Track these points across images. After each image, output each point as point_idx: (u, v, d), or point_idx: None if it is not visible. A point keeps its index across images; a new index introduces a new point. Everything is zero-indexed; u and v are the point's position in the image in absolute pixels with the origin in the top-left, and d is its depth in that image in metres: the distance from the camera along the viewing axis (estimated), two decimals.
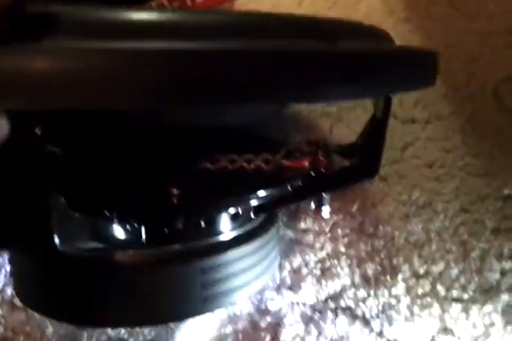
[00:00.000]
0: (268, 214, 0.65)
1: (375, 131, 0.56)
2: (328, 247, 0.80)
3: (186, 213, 0.53)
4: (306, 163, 0.60)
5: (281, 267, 0.78)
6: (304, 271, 0.78)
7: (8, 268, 0.76)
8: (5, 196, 0.43)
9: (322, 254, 0.79)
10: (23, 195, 0.43)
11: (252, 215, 0.59)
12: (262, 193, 0.56)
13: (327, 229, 0.80)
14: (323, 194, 0.65)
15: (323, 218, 0.74)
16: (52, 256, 0.46)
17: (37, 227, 0.42)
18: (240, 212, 0.58)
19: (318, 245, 0.80)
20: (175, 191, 0.50)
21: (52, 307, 0.54)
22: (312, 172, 0.59)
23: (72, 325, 0.67)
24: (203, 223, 0.55)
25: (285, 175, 0.58)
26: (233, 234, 0.58)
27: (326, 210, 0.67)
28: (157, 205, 0.52)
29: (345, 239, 0.80)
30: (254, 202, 0.57)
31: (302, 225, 0.80)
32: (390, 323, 0.78)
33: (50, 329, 0.75)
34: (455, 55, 0.82)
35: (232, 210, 0.57)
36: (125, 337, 0.76)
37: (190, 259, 0.52)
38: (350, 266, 0.79)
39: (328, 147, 0.62)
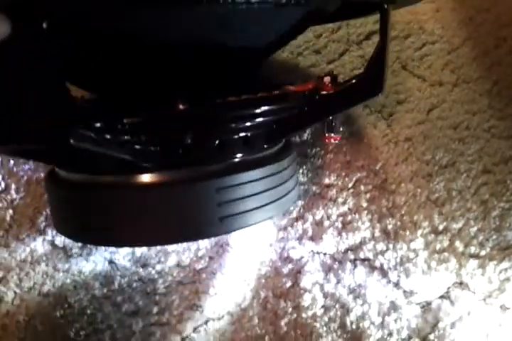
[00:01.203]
0: (281, 144, 0.66)
1: (379, 49, 0.57)
2: (350, 202, 0.85)
3: (196, 129, 0.54)
4: (311, 86, 0.62)
5: (303, 219, 0.84)
6: (326, 223, 0.83)
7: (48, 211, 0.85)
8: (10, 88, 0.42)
9: (344, 209, 0.84)
10: (30, 87, 0.42)
11: (263, 144, 0.60)
12: (267, 111, 0.57)
13: (350, 185, 0.85)
14: (332, 118, 0.66)
15: (331, 143, 0.78)
16: (63, 148, 0.46)
17: (52, 118, 0.42)
18: (250, 136, 0.58)
19: (340, 200, 0.84)
20: (181, 105, 0.51)
21: (77, 230, 0.57)
22: (317, 96, 0.60)
23: (94, 245, 0.72)
24: (215, 144, 0.56)
25: (291, 98, 0.60)
26: (246, 158, 0.58)
27: (336, 135, 0.69)
28: (166, 119, 0.52)
29: (368, 195, 0.85)
30: (262, 125, 0.58)
31: (326, 180, 0.85)
32: (407, 275, 0.83)
33: (87, 268, 0.84)
34: (487, 20, 0.85)
35: (242, 135, 0.58)
36: (155, 277, 0.84)
37: (206, 179, 0.53)
38: (370, 220, 0.84)
39: (335, 75, 0.63)
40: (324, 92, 0.61)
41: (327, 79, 0.63)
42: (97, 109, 0.55)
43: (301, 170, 0.84)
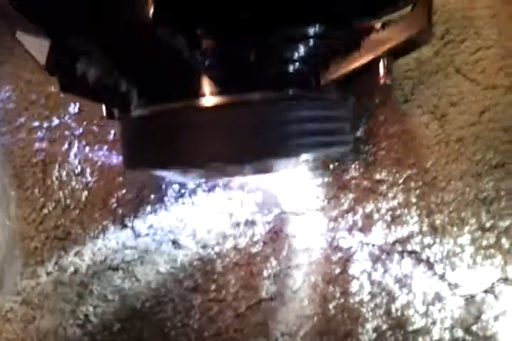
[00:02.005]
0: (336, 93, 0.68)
1: None
2: (400, 197, 0.91)
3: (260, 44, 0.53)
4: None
5: (354, 211, 0.91)
6: (376, 216, 0.90)
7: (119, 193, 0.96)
8: None
9: (394, 203, 0.91)
10: None
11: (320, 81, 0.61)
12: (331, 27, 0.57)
13: (400, 181, 0.91)
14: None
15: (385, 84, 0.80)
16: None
17: None
18: (304, 70, 0.58)
19: (390, 195, 0.91)
20: (246, 14, 0.48)
21: (148, 157, 0.60)
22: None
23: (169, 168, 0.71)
24: (273, 72, 0.56)
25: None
26: (304, 92, 0.59)
27: (388, 76, 0.68)
28: (233, 29, 0.51)
29: (417, 191, 0.91)
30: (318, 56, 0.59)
31: (377, 176, 0.92)
32: (453, 269, 0.88)
33: (153, 246, 0.94)
34: None
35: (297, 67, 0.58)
36: (214, 257, 0.93)
37: (275, 102, 0.55)
38: (419, 215, 0.90)
39: None
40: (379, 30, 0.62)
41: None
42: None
43: (353, 165, 0.91)
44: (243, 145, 0.56)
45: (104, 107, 0.68)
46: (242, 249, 0.88)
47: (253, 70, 0.54)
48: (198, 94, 0.53)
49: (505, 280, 0.86)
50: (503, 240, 0.86)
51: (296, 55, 0.57)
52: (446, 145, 0.89)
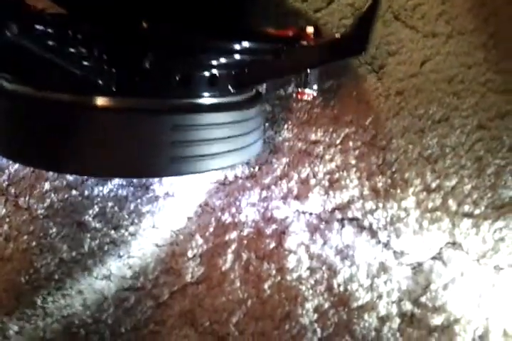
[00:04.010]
0: (250, 93, 0.65)
1: (370, 6, 0.56)
2: (338, 159, 0.85)
3: (157, 52, 0.53)
4: (291, 33, 0.61)
5: (288, 177, 0.84)
6: (312, 181, 0.83)
7: (11, 169, 0.83)
8: None
9: (331, 166, 0.84)
10: None
11: (230, 87, 0.59)
12: (241, 48, 0.55)
13: (338, 141, 0.85)
14: (309, 71, 0.65)
15: (304, 100, 0.77)
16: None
17: None
18: (217, 75, 0.57)
19: (327, 157, 0.84)
20: (145, 24, 0.50)
21: (21, 151, 0.56)
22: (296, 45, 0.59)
23: (38, 169, 0.70)
24: (177, 78, 0.55)
25: (269, 40, 0.59)
26: (211, 100, 0.58)
27: (309, 91, 0.68)
28: (126, 35, 0.51)
29: (356, 152, 0.85)
30: (232, 64, 0.57)
31: (312, 136, 0.85)
32: (398, 235, 0.83)
33: (53, 229, 0.83)
34: None
35: (208, 72, 0.57)
36: (129, 239, 0.83)
37: (163, 112, 0.53)
38: (359, 178, 0.84)
39: (319, 27, 0.63)
40: (304, 43, 0.61)
41: (310, 29, 0.63)
42: (53, 15, 0.53)
43: (285, 126, 0.84)
44: (114, 159, 0.54)
45: None
46: (160, 227, 0.78)
47: (151, 76, 0.54)
48: (89, 91, 0.53)
49: (453, 244, 0.82)
50: (450, 201, 0.83)
51: (198, 66, 0.57)
52: (386, 99, 0.84)
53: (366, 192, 0.82)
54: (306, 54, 0.60)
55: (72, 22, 0.50)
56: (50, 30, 0.48)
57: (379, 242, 0.82)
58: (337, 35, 0.59)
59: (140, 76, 0.53)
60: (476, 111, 0.85)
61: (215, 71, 0.57)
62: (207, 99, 0.58)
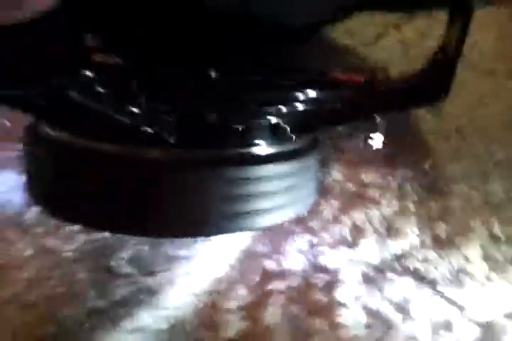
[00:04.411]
0: (310, 138, 0.63)
1: (449, 46, 0.55)
2: (396, 204, 0.78)
3: (225, 104, 0.52)
4: (362, 78, 0.58)
5: (340, 221, 0.77)
6: (368, 228, 0.76)
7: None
8: None
9: (388, 212, 0.78)
10: None
11: (292, 134, 0.57)
12: (309, 94, 0.54)
13: (394, 185, 0.79)
14: (376, 118, 0.61)
15: (371, 148, 0.72)
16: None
17: None
18: (281, 124, 0.55)
19: (384, 202, 0.78)
20: (213, 73, 0.49)
21: (54, 200, 0.56)
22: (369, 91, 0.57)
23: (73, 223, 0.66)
24: (239, 128, 0.53)
25: (337, 84, 0.57)
26: (270, 150, 0.56)
27: (377, 139, 0.65)
28: (191, 87, 0.50)
29: (415, 197, 0.79)
30: (297, 113, 0.55)
31: (364, 178, 0.79)
32: (464, 289, 0.75)
33: (81, 275, 0.75)
34: None
35: (272, 119, 0.55)
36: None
37: (219, 166, 0.52)
38: (419, 226, 0.77)
39: (386, 69, 0.60)
40: (375, 88, 0.58)
41: (381, 74, 0.60)
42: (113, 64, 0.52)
43: (336, 166, 0.78)
44: (166, 218, 0.54)
45: None
46: (198, 274, 0.71)
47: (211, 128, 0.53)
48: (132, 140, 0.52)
49: None
50: None
51: (262, 114, 0.55)
52: (445, 139, 0.77)
53: (427, 241, 0.75)
54: (378, 100, 0.58)
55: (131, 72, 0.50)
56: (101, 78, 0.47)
57: (443, 297, 0.73)
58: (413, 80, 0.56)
59: (200, 128, 0.52)
60: None
61: (277, 119, 0.55)
62: (266, 149, 0.56)
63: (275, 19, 0.53)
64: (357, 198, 0.75)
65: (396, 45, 0.82)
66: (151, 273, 0.72)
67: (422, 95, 0.57)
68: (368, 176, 0.76)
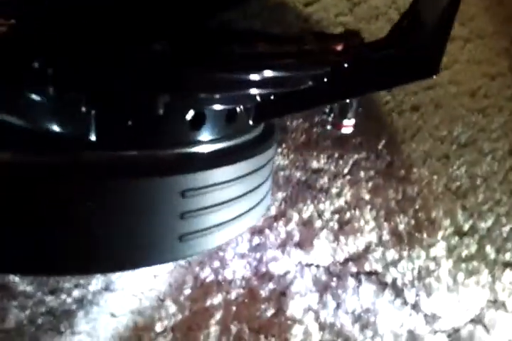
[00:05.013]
0: (267, 125, 0.51)
1: (445, 10, 0.45)
2: (348, 193, 0.66)
3: (168, 83, 0.38)
4: (339, 47, 0.46)
5: (286, 218, 0.63)
6: (318, 223, 0.63)
7: None
8: None
9: (340, 202, 0.65)
10: None
11: (251, 121, 0.46)
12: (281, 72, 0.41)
13: (346, 170, 0.66)
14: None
15: (343, 133, 0.60)
16: None
17: None
18: (239, 111, 0.44)
19: (334, 190, 0.65)
20: (157, 45, 0.36)
21: None
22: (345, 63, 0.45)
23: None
24: (187, 117, 0.40)
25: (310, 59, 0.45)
26: (220, 145, 0.44)
27: (348, 124, 0.57)
28: (125, 62, 0.36)
29: (369, 184, 0.67)
30: (259, 90, 0.42)
31: (314, 164, 0.65)
32: (428, 293, 0.66)
33: None
34: None
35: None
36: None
37: (169, 172, 0.39)
38: (376, 218, 0.65)
39: (361, 37, 0.48)
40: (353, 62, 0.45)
41: (356, 40, 0.48)
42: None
43: (279, 150, 0.64)
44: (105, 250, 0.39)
45: None
46: (116, 290, 0.55)
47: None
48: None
49: (495, 302, 0.65)
50: (488, 247, 0.66)
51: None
52: (400, 115, 0.66)
53: (386, 236, 0.63)
54: (362, 76, 0.46)
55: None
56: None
57: (406, 303, 0.63)
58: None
59: (134, 121, 0.38)
60: (507, 133, 0.70)
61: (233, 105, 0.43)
62: (218, 143, 0.43)
63: None
64: (305, 188, 0.60)
65: (342, 2, 0.72)
66: (55, 292, 0.54)
67: (414, 66, 0.46)
68: (317, 162, 0.61)
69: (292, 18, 0.70)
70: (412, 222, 0.67)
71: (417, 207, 0.67)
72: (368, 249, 0.66)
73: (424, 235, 0.66)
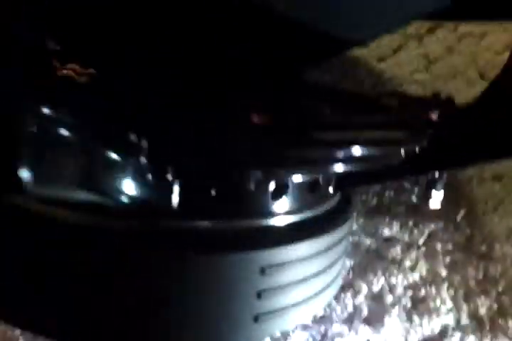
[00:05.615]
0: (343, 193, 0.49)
1: None
2: (423, 267, 0.60)
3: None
4: (434, 117, 0.43)
5: (354, 289, 0.57)
6: (389, 298, 0.57)
7: None
8: None
9: (414, 277, 0.59)
10: None
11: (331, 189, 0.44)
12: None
13: (421, 241, 0.60)
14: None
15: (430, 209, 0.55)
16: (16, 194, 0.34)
17: None
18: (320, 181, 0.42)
19: (408, 263, 0.59)
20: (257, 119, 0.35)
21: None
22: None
23: None
24: (271, 187, 0.39)
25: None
26: (301, 216, 0.42)
27: (436, 197, 0.51)
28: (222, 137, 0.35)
29: (447, 258, 0.61)
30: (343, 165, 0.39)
31: (386, 231, 0.60)
32: None
33: None
34: None
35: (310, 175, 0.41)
36: None
37: (250, 246, 0.38)
38: (454, 298, 0.59)
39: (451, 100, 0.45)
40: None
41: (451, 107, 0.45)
42: None
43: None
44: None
45: None
46: None
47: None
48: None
49: None
50: None
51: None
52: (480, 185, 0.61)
53: (464, 320, 0.56)
54: (450, 152, 0.45)
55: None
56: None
57: None
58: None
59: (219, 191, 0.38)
60: None
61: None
62: (291, 216, 0.42)
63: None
64: (375, 258, 0.54)
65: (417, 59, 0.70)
66: None
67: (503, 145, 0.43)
68: (389, 229, 0.56)
69: (364, 74, 0.68)
70: (495, 305, 0.59)
71: (500, 289, 0.60)
72: (444, 333, 0.59)
73: (510, 323, 0.58)
